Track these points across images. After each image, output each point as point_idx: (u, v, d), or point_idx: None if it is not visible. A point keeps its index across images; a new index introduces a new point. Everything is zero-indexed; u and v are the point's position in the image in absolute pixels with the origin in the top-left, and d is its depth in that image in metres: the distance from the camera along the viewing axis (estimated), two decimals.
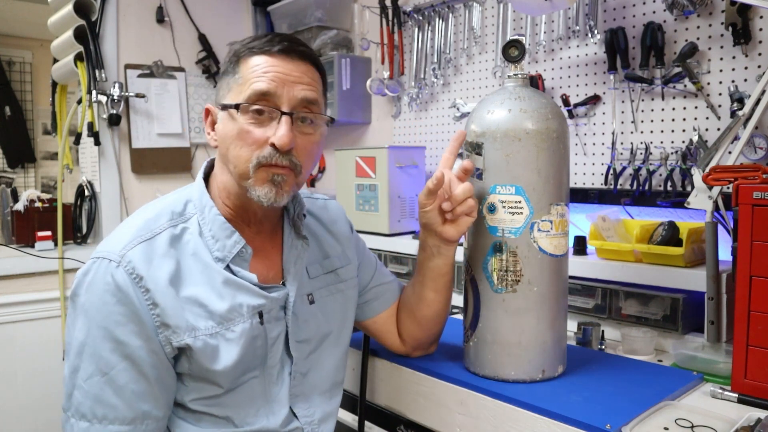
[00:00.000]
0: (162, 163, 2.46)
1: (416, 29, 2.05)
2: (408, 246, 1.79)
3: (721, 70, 1.36)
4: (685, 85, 1.42)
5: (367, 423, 1.26)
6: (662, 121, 1.48)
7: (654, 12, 1.47)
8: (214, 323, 0.89)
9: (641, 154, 1.50)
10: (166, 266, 0.87)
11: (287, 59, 0.90)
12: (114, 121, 2.24)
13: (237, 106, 0.88)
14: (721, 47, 1.36)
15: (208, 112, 0.97)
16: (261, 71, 0.89)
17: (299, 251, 1.02)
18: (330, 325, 1.05)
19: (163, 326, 0.86)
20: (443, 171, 0.99)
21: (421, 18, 2.03)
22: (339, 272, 1.08)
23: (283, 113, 0.88)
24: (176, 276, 0.88)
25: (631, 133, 1.53)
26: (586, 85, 1.63)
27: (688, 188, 1.37)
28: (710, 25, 1.37)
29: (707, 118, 1.39)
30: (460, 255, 1.08)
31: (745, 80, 1.32)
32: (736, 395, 0.97)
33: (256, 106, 0.88)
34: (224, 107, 0.91)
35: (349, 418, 1.29)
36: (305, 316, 1.01)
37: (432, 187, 0.98)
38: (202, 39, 2.54)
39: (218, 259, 0.91)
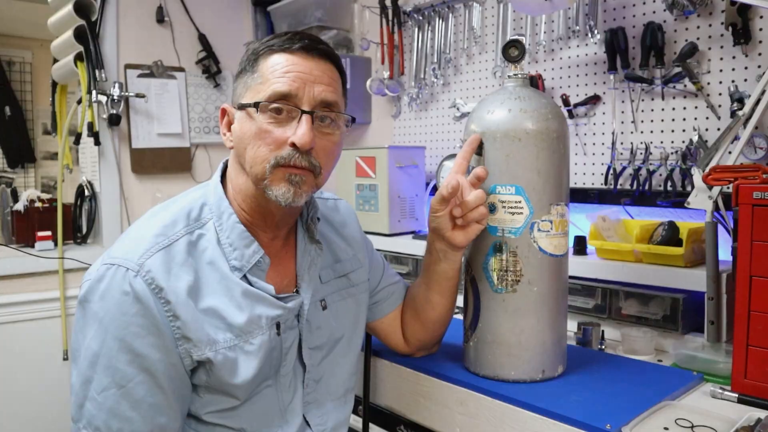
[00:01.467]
0: (162, 163, 2.45)
1: (416, 29, 2.05)
2: (408, 246, 1.79)
3: (721, 70, 1.36)
4: (685, 85, 1.42)
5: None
6: (662, 121, 1.47)
7: (654, 12, 1.47)
8: (232, 335, 0.87)
9: (641, 154, 1.50)
10: (185, 276, 0.85)
11: (307, 57, 0.88)
12: (114, 121, 2.24)
13: (256, 105, 0.86)
14: (721, 47, 1.36)
15: (224, 112, 0.94)
16: (281, 71, 0.87)
17: (313, 257, 1.00)
18: (342, 330, 1.04)
19: (184, 339, 0.83)
20: (457, 177, 0.98)
21: (421, 18, 2.03)
22: (350, 276, 1.07)
23: (303, 112, 0.86)
24: (195, 287, 0.85)
25: (631, 133, 1.53)
26: (586, 85, 1.62)
27: (688, 188, 1.37)
28: (710, 25, 1.37)
29: (707, 118, 1.39)
30: None
31: (745, 80, 1.32)
32: (736, 395, 0.97)
33: (275, 105, 0.86)
34: (242, 106, 0.89)
35: (352, 419, 1.29)
36: (318, 322, 0.99)
37: (446, 195, 0.97)
38: (202, 39, 2.54)
39: (235, 268, 0.89)
